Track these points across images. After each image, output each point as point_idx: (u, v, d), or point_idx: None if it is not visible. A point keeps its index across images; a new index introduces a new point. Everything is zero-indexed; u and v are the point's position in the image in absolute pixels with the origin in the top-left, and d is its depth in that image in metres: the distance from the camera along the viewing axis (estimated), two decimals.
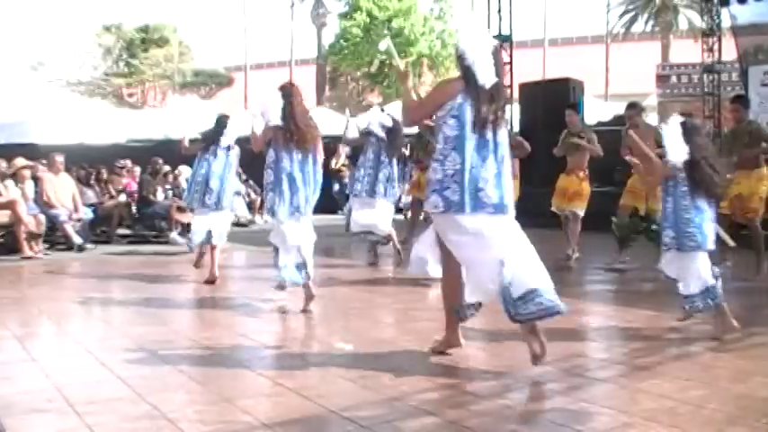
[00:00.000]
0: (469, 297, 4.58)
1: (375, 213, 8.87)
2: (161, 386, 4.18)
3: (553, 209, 9.49)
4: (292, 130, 6.14)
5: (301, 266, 6.33)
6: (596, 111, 20.76)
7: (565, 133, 9.34)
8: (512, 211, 4.46)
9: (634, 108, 8.79)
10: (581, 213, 9.23)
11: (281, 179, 6.18)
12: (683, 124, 5.53)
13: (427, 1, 39.18)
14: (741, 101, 8.57)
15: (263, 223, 13.55)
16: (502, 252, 4.32)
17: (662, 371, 4.46)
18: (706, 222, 5.43)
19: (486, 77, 4.37)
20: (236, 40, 62.42)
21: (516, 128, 14.90)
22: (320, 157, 6.40)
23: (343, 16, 39.10)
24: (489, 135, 4.39)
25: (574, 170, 9.26)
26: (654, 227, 8.39)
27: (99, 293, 7.62)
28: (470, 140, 4.33)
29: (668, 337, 5.37)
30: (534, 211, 10.86)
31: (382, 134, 8.86)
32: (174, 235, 11.83)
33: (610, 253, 9.01)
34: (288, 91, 6.32)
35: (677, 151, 5.46)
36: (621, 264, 8.72)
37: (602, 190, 11.81)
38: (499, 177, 4.39)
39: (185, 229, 11.20)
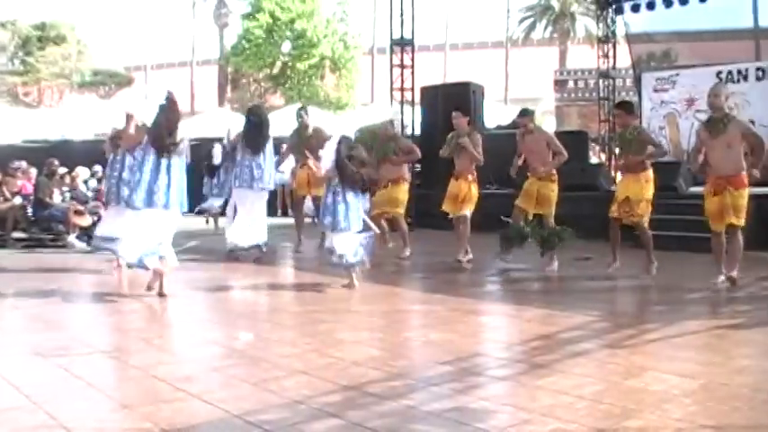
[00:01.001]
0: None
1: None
2: (58, 394, 4.06)
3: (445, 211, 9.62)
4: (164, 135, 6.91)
5: (154, 252, 6.99)
6: (496, 114, 21.13)
7: (451, 135, 9.48)
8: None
9: (526, 115, 9.05)
10: (468, 214, 9.34)
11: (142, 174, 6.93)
12: (339, 139, 7.53)
13: (330, 3, 39.15)
14: (624, 106, 8.78)
15: None
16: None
17: (559, 368, 4.56)
18: (351, 212, 7.38)
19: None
20: (136, 39, 61.18)
21: (417, 131, 15.02)
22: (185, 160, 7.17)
23: (246, 17, 38.65)
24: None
25: (462, 173, 9.34)
26: (545, 231, 8.55)
27: None
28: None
29: (565, 336, 5.48)
30: (434, 213, 11.01)
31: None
32: (71, 238, 11.49)
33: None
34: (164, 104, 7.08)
35: (328, 158, 7.47)
36: (504, 261, 8.98)
37: (502, 192, 12.04)
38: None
39: (84, 232, 10.94)
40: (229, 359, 4.90)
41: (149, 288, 6.97)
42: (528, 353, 5.04)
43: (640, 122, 18.84)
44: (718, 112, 7.42)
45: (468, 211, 9.34)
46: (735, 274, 7.33)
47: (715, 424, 3.52)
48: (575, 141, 15.96)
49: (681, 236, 9.89)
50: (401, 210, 9.96)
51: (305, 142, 10.08)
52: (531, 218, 8.93)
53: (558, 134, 10.73)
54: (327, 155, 7.50)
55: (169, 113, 7.01)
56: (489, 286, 8.41)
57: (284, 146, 11.20)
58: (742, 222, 7.32)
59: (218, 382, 4.32)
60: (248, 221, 9.49)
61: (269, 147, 9.51)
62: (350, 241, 7.46)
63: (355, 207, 7.48)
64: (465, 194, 9.30)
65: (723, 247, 7.48)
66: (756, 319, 6.13)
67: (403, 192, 9.96)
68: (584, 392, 4.02)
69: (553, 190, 8.89)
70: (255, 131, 9.38)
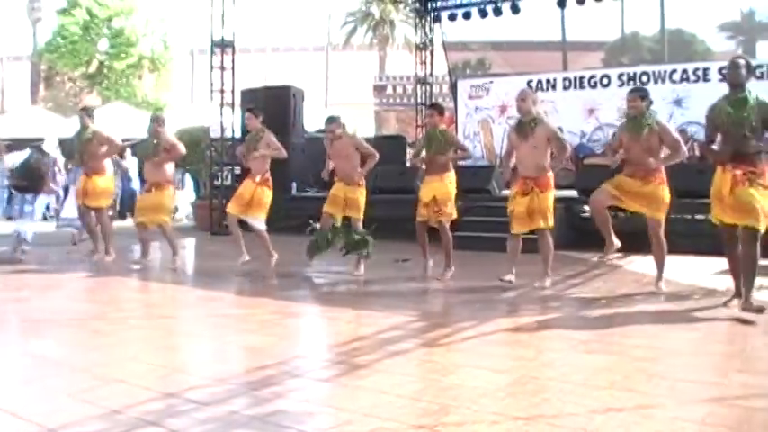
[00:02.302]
0: None
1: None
2: None
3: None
4: None
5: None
6: (317, 118, 21.21)
7: (249, 136, 9.34)
8: None
9: (333, 122, 9.00)
10: (252, 220, 9.16)
11: None
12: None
13: (150, 2, 38.05)
14: (437, 107, 8.93)
15: None
16: None
17: (379, 368, 4.63)
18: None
19: None
20: None
21: (238, 134, 14.86)
22: None
23: (61, 12, 36.92)
24: None
25: (254, 174, 9.15)
26: (356, 236, 8.58)
27: None
28: None
29: (384, 336, 5.55)
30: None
31: None
32: None
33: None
34: None
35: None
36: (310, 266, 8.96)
37: (322, 195, 12.09)
38: None
39: None
40: (43, 370, 4.64)
41: None
42: (348, 353, 5.07)
43: (456, 128, 19.57)
44: (526, 116, 7.70)
45: (252, 217, 9.13)
46: (548, 276, 7.68)
47: (527, 415, 3.67)
48: (393, 145, 16.34)
49: (495, 237, 10.25)
50: (166, 217, 9.52)
51: (84, 144, 9.78)
52: (339, 223, 8.86)
53: (377, 138, 10.97)
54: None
55: None
56: (309, 289, 8.40)
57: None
58: (550, 224, 7.63)
59: (32, 395, 4.08)
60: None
61: None
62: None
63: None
64: (251, 195, 9.07)
65: (519, 250, 7.79)
66: (564, 315, 6.46)
67: (168, 197, 9.52)
68: (404, 391, 4.09)
69: (361, 194, 8.91)
70: None
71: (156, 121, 9.50)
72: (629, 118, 7.34)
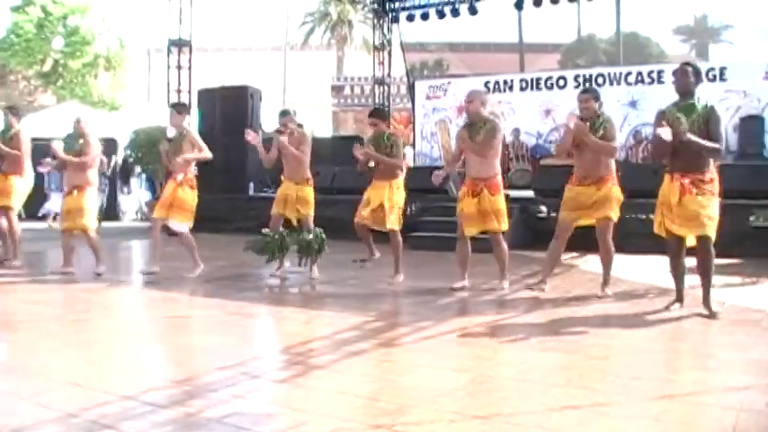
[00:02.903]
0: None
1: None
2: None
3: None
4: None
5: None
6: (274, 118, 21.14)
7: (174, 136, 9.08)
8: None
9: (287, 115, 8.94)
10: (176, 224, 8.79)
11: None
12: None
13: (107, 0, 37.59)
14: (379, 114, 8.84)
15: None
16: None
17: (337, 368, 4.62)
18: None
19: None
20: None
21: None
22: None
23: (15, 10, 36.29)
24: None
25: (175, 174, 8.80)
26: (308, 236, 8.51)
27: None
28: None
29: (342, 337, 5.55)
30: (210, 217, 10.84)
31: None
32: None
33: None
34: None
35: None
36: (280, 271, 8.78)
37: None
38: None
39: None
40: None
41: None
42: (306, 354, 5.06)
43: (414, 128, 19.64)
44: (475, 117, 7.63)
45: (173, 219, 8.74)
46: (506, 279, 7.70)
47: (484, 414, 3.70)
48: (351, 146, 16.23)
49: (452, 237, 10.23)
50: (88, 221, 8.87)
51: (6, 143, 9.47)
52: (294, 222, 8.82)
53: (335, 139, 10.95)
54: None
55: None
56: (267, 290, 8.34)
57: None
58: (504, 227, 7.59)
59: None
60: None
61: None
62: None
63: None
64: (173, 197, 8.69)
65: (468, 254, 7.71)
66: (520, 314, 6.51)
67: (89, 199, 8.92)
68: (362, 391, 4.09)
69: (310, 192, 8.80)
70: None
71: (80, 121, 9.15)
72: (582, 120, 7.20)
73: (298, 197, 8.70)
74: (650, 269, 8.59)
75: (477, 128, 7.57)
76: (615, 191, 7.19)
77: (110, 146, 15.96)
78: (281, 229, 8.70)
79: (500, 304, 7.04)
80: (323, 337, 5.56)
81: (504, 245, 7.70)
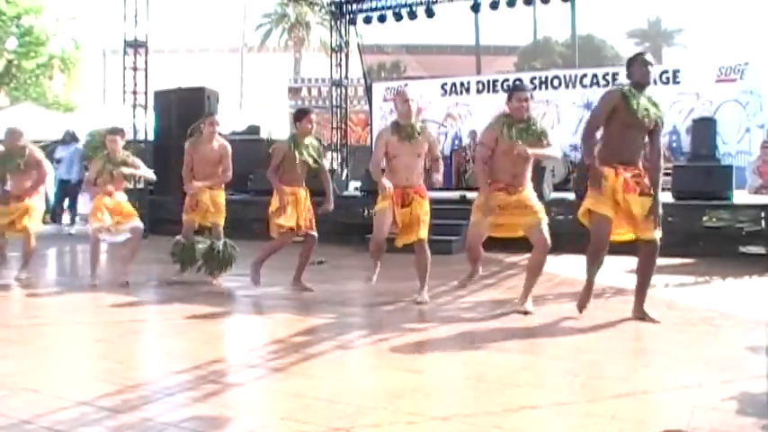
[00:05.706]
0: None
1: None
2: None
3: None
4: None
5: None
6: (231, 120, 21.07)
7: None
8: None
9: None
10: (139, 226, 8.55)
11: None
12: None
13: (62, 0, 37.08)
14: (304, 114, 8.09)
15: None
16: None
17: (295, 371, 4.61)
18: None
19: None
20: None
21: (151, 136, 14.62)
22: None
23: None
24: None
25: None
26: (218, 245, 8.42)
27: None
28: None
29: (300, 339, 5.54)
30: (169, 219, 10.73)
31: None
32: None
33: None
34: None
35: None
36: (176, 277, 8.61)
37: (237, 198, 12.03)
38: None
39: None
40: None
41: None
42: (263, 357, 5.04)
43: (371, 130, 19.65)
44: (405, 119, 6.99)
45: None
46: (426, 289, 7.20)
47: (443, 414, 3.71)
48: None
49: None
50: (33, 222, 8.54)
51: None
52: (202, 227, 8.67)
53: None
54: None
55: None
56: (223, 294, 8.24)
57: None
58: (426, 234, 7.14)
59: None
60: None
61: None
62: None
63: None
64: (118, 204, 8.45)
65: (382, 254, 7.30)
66: (478, 315, 6.52)
67: (33, 201, 8.58)
68: (320, 393, 4.08)
69: (223, 198, 8.59)
70: None
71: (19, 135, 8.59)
72: (515, 121, 6.56)
73: (213, 203, 8.46)
74: (606, 269, 8.66)
75: (410, 130, 6.96)
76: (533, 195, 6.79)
77: None
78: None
79: (457, 306, 7.06)
80: (281, 339, 5.54)
81: (428, 253, 7.23)
